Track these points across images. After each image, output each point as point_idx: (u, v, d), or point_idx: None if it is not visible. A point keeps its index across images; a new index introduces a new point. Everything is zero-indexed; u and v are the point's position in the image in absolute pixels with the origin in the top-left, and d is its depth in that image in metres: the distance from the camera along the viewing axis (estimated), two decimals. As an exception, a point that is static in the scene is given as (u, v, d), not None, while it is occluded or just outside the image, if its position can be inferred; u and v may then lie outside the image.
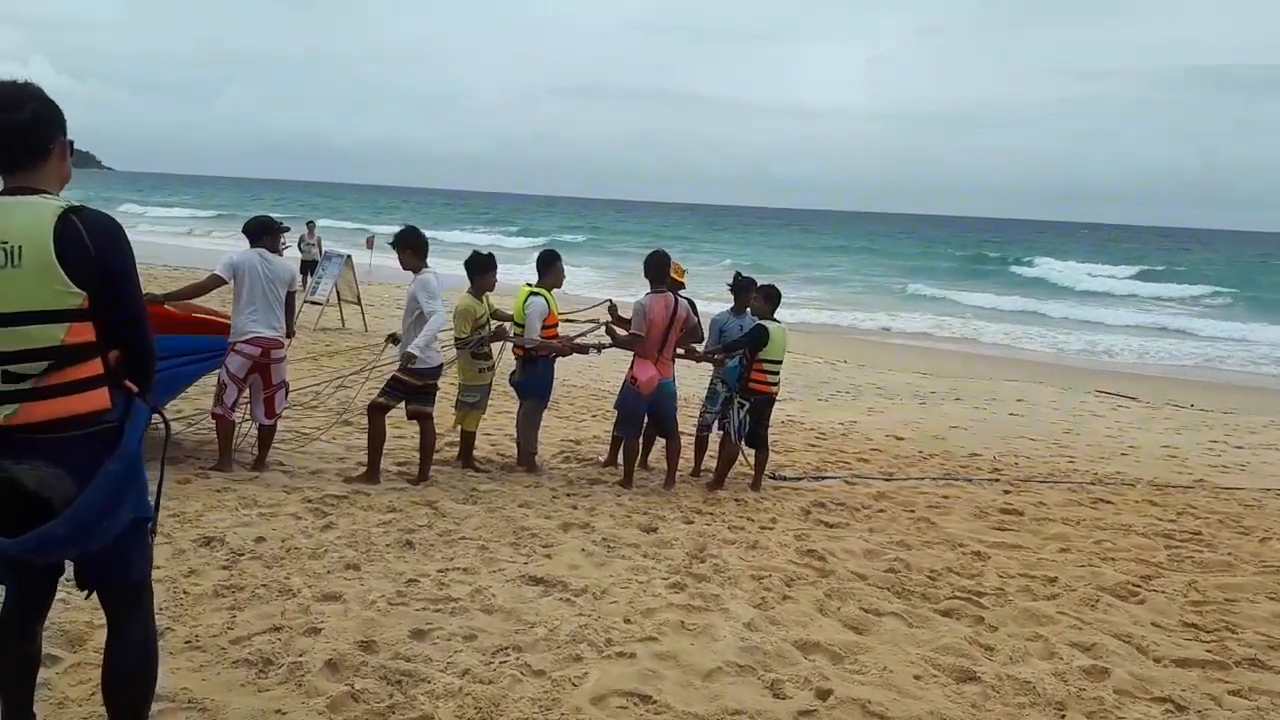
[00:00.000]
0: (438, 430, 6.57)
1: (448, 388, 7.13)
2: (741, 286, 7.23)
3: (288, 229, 7.82)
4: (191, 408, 7.37)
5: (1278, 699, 3.90)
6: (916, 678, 3.84)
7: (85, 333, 2.31)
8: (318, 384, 8.18)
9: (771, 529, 5.91)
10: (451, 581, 4.51)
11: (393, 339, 6.83)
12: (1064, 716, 3.61)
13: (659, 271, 6.72)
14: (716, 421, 7.22)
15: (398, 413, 6.48)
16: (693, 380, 9.23)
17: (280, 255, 6.69)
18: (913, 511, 6.60)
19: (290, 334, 6.43)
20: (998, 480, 7.91)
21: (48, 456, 2.25)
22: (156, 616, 2.77)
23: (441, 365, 6.42)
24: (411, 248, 6.32)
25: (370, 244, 21.80)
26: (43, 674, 2.98)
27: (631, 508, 6.18)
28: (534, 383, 6.95)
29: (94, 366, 2.34)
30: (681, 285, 7.07)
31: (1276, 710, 3.80)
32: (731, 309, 7.31)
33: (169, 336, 5.51)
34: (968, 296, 30.64)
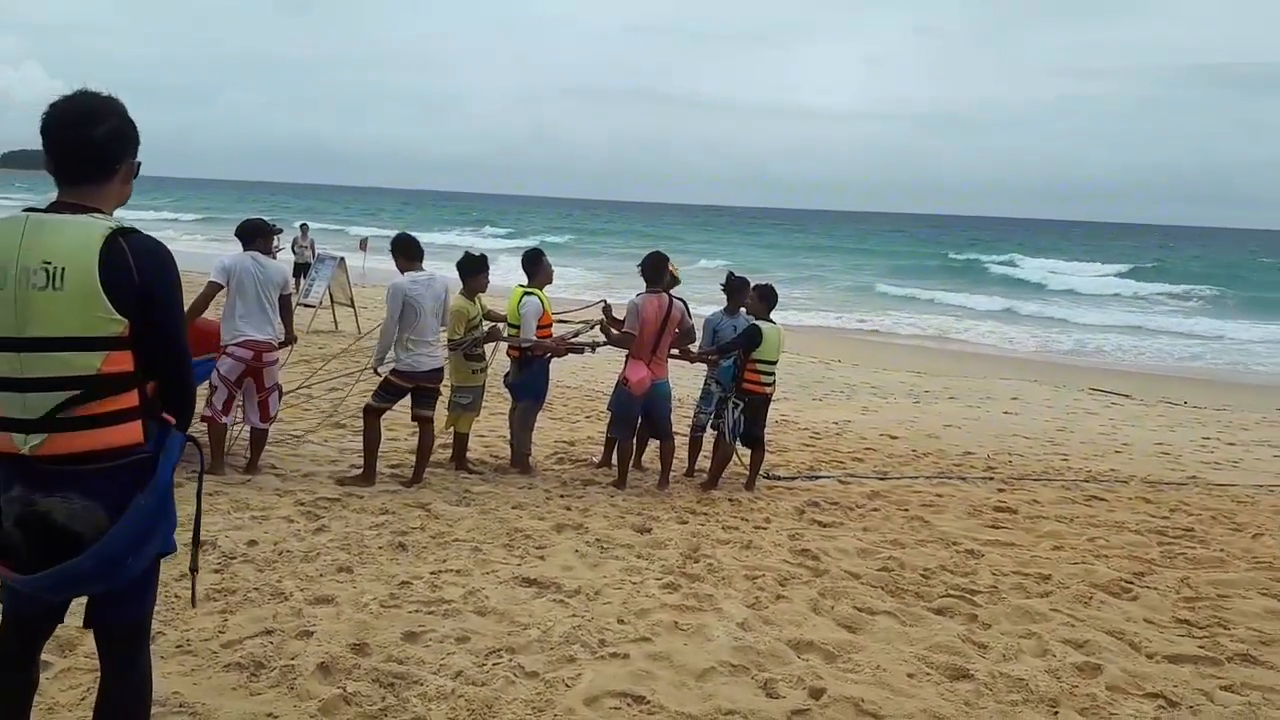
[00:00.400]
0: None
1: (445, 389, 7.12)
2: (735, 287, 7.22)
3: (280, 231, 7.80)
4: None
5: (1270, 694, 3.91)
6: (910, 676, 3.84)
7: (123, 362, 2.16)
8: (306, 383, 8.18)
9: (765, 528, 5.91)
10: (444, 583, 4.50)
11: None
12: (1057, 713, 3.62)
13: (655, 271, 6.71)
14: (711, 421, 7.22)
15: (391, 414, 6.47)
16: (687, 380, 9.23)
17: (273, 258, 6.68)
18: (906, 510, 6.60)
19: (291, 340, 6.42)
20: (991, 478, 7.92)
21: (78, 488, 2.13)
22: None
23: (441, 368, 6.43)
24: (400, 252, 6.44)
25: (364, 246, 21.74)
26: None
27: (625, 508, 6.17)
28: (529, 383, 6.94)
29: (129, 398, 2.19)
30: (678, 282, 7.09)
31: (1269, 705, 3.81)
32: (725, 309, 7.31)
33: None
34: (969, 298, 30.58)
